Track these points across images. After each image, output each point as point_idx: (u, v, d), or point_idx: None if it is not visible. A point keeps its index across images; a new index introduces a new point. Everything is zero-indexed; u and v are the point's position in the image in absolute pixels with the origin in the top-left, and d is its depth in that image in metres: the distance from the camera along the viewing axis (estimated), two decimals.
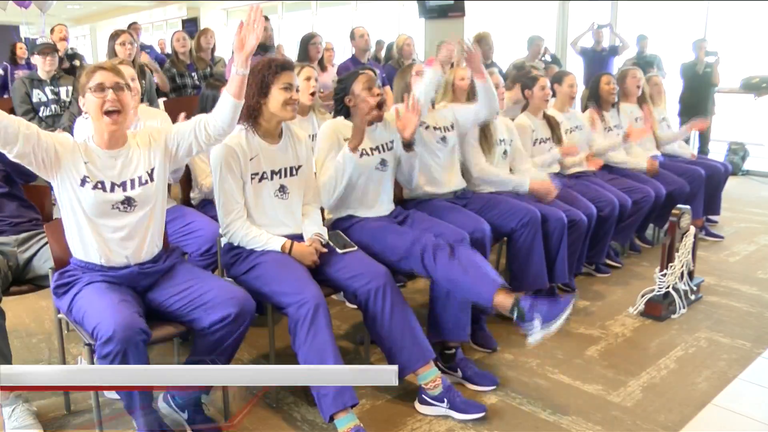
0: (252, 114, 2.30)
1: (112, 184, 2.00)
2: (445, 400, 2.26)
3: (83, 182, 1.96)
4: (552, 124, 3.63)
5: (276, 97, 2.27)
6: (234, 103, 1.99)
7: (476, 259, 2.40)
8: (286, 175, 2.40)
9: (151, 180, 2.06)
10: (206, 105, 2.99)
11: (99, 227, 2.00)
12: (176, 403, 2.19)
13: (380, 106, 2.60)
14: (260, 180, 2.33)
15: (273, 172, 2.36)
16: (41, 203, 2.68)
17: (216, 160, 2.27)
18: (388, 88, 3.88)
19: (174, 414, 2.19)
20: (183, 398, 2.16)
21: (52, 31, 5.80)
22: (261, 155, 2.32)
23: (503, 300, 2.26)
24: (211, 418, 2.20)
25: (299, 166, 2.44)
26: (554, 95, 3.83)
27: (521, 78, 3.73)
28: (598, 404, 2.36)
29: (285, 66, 2.31)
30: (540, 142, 3.59)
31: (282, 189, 2.38)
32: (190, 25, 13.52)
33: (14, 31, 8.07)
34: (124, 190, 2.01)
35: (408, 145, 2.67)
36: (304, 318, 2.09)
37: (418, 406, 2.32)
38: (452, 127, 3.00)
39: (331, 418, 2.08)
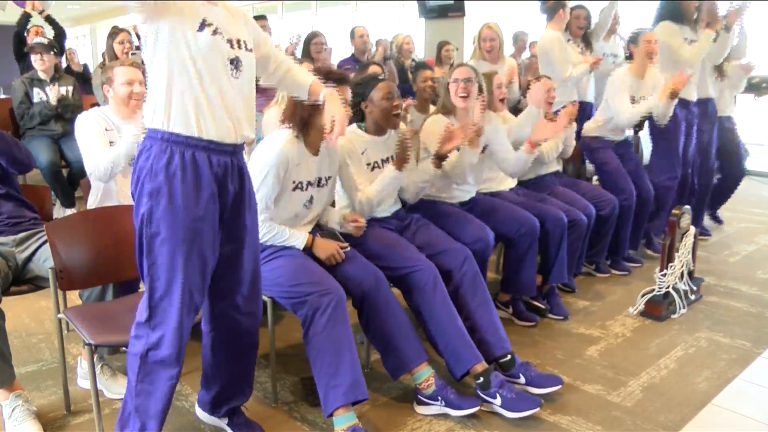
0: (304, 126, 2.27)
1: (227, 39, 1.78)
2: (440, 398, 2.27)
3: (201, 26, 1.72)
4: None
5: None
6: (305, 95, 2.03)
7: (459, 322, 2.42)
8: (317, 186, 2.40)
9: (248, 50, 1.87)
10: None
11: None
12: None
13: (397, 114, 2.60)
14: (294, 189, 2.33)
15: (309, 183, 2.36)
16: (40, 203, 2.68)
17: (269, 161, 2.22)
18: None
19: (215, 421, 2.18)
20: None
21: (27, 32, 5.76)
22: (303, 164, 2.31)
23: (478, 366, 2.33)
24: (251, 421, 2.19)
25: (329, 177, 2.45)
26: (631, 57, 3.76)
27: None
28: (598, 404, 2.36)
29: (341, 80, 2.27)
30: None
31: (310, 200, 2.39)
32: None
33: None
34: (231, 47, 1.78)
35: (440, 158, 2.62)
36: (326, 306, 2.09)
37: (416, 407, 2.33)
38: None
39: (330, 414, 2.08)
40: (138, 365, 1.82)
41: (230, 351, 2.05)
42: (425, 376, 2.30)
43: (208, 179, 1.76)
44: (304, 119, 2.26)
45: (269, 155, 2.23)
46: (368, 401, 2.35)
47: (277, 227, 2.31)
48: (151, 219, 1.74)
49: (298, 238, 2.33)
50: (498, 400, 2.25)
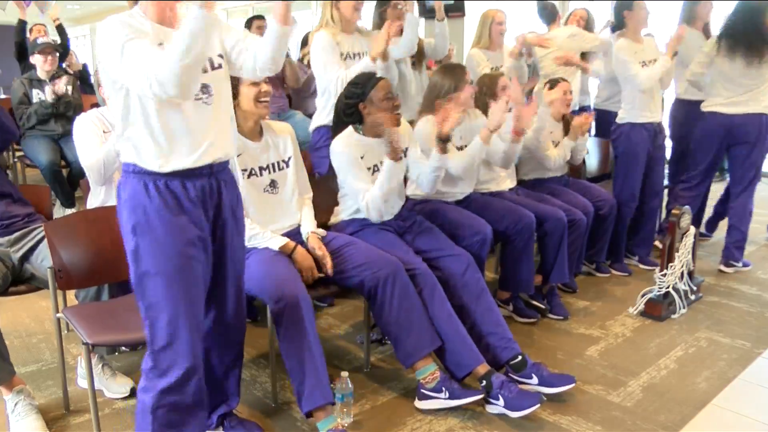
0: None
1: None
2: (443, 389, 2.28)
3: None
4: (568, 127, 3.51)
5: (246, 94, 2.25)
6: (277, 29, 1.72)
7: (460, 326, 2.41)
8: (274, 170, 2.40)
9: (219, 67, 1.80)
10: None
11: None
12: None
13: (398, 115, 2.57)
14: (249, 176, 2.33)
15: (261, 168, 2.37)
16: (40, 203, 2.67)
17: None
18: None
19: None
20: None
21: (30, 30, 5.76)
22: (245, 153, 2.32)
23: (480, 368, 2.32)
24: (247, 420, 2.17)
25: (288, 158, 2.45)
26: (622, 26, 3.66)
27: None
28: (598, 404, 2.36)
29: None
30: (555, 145, 3.49)
31: (272, 184, 2.39)
32: None
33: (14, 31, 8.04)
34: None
35: (444, 141, 2.53)
36: (280, 313, 2.10)
37: (417, 403, 2.33)
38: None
39: (309, 415, 2.09)
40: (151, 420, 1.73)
41: (217, 364, 2.03)
42: (431, 370, 2.30)
43: (188, 205, 1.73)
44: None
45: None
46: (368, 400, 2.35)
47: (255, 228, 2.31)
48: (139, 256, 1.71)
49: (276, 242, 2.32)
50: (501, 402, 2.24)
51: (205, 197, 1.78)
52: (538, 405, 2.21)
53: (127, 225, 1.71)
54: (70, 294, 2.71)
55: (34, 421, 2.18)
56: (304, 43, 4.83)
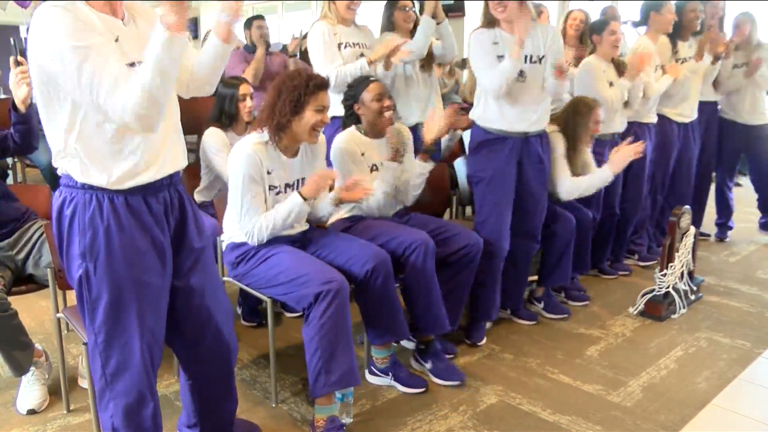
0: (280, 130, 2.23)
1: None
2: (390, 373, 2.47)
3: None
4: (620, 70, 3.41)
5: (308, 118, 2.21)
6: (219, 45, 1.62)
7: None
8: (298, 187, 2.36)
9: None
10: (224, 104, 2.95)
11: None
12: None
13: (389, 116, 2.61)
14: (277, 194, 2.31)
15: (287, 185, 2.34)
16: (41, 203, 2.67)
17: (238, 168, 2.20)
18: None
19: None
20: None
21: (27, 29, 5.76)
22: (277, 169, 2.28)
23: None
24: (246, 421, 2.16)
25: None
26: (644, 24, 3.67)
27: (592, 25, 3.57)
28: (598, 404, 2.36)
29: (322, 86, 2.24)
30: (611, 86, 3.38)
31: None
32: (189, 26, 13.49)
33: (14, 31, 8.06)
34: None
35: (425, 152, 2.61)
36: (326, 293, 2.07)
37: (367, 375, 2.53)
38: None
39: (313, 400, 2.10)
40: None
41: (210, 392, 1.93)
42: (385, 355, 2.47)
43: (149, 222, 1.57)
44: (281, 124, 2.21)
45: (240, 161, 2.20)
46: (368, 401, 2.36)
47: (269, 216, 2.25)
48: (90, 283, 1.54)
49: (295, 197, 2.25)
50: (429, 365, 2.53)
51: (167, 210, 1.64)
52: (459, 382, 2.45)
53: (73, 249, 1.54)
54: (70, 294, 2.70)
55: (37, 391, 2.33)
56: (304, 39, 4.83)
